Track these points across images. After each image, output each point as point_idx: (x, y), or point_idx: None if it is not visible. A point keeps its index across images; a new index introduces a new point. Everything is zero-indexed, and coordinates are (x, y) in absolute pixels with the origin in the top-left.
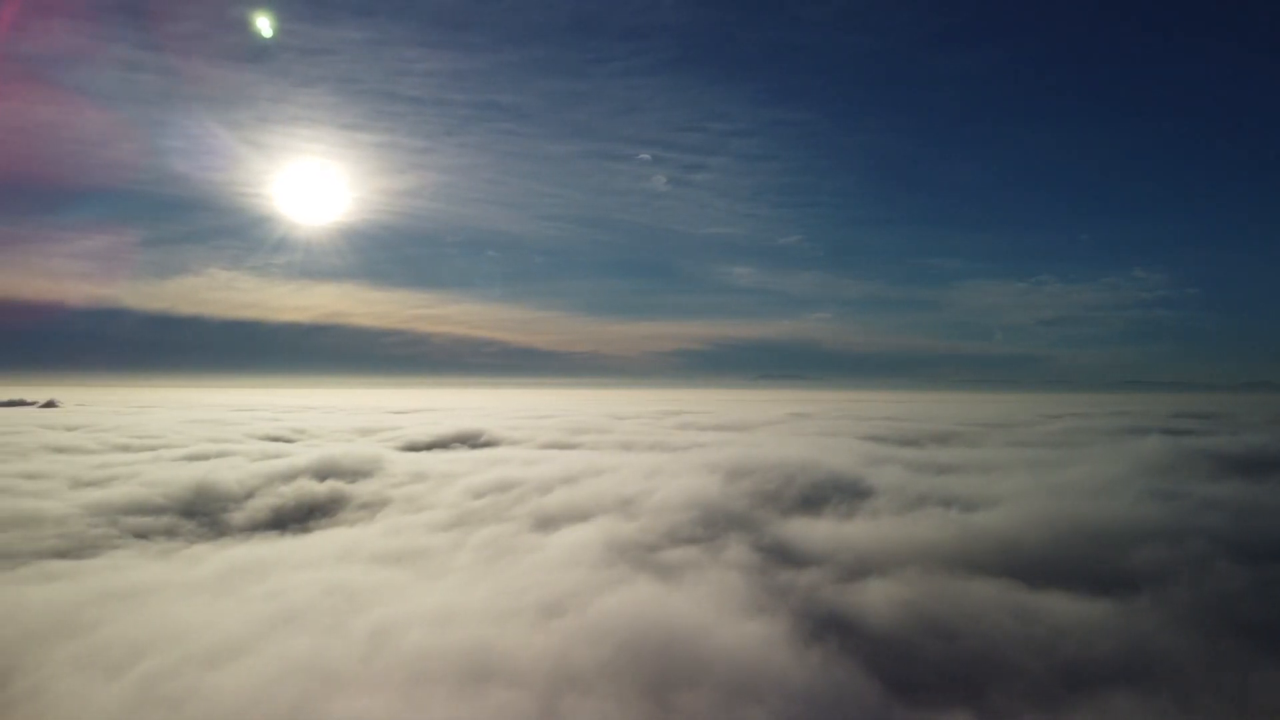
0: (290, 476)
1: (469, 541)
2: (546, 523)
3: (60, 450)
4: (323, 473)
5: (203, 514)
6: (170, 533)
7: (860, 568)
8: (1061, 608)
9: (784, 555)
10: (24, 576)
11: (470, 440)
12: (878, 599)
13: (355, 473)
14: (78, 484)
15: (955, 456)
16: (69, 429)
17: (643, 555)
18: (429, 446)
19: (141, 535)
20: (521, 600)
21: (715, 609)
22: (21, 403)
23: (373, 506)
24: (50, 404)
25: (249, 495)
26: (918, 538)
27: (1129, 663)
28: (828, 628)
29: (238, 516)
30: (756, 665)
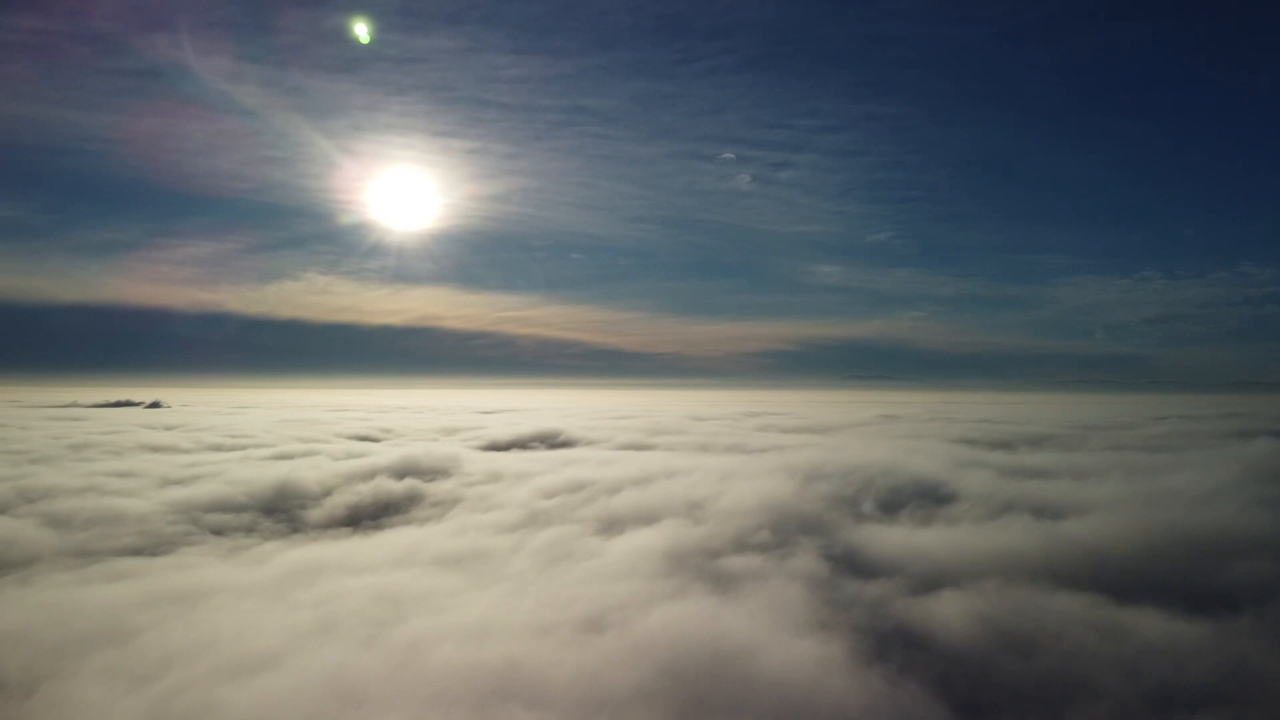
0: (370, 475)
1: (529, 544)
2: (611, 525)
3: (155, 449)
4: (402, 471)
5: (281, 512)
6: (247, 530)
7: (934, 579)
8: (1152, 626)
9: (853, 564)
10: (88, 576)
11: (549, 440)
12: (950, 613)
13: (433, 471)
14: (165, 482)
15: (1048, 461)
16: (167, 429)
17: (703, 563)
18: (508, 446)
19: (218, 532)
20: (565, 613)
21: (771, 624)
22: (129, 403)
23: (444, 505)
24: (155, 404)
25: (327, 494)
26: (999, 547)
27: (1224, 688)
28: (893, 645)
29: (314, 514)
30: (809, 688)
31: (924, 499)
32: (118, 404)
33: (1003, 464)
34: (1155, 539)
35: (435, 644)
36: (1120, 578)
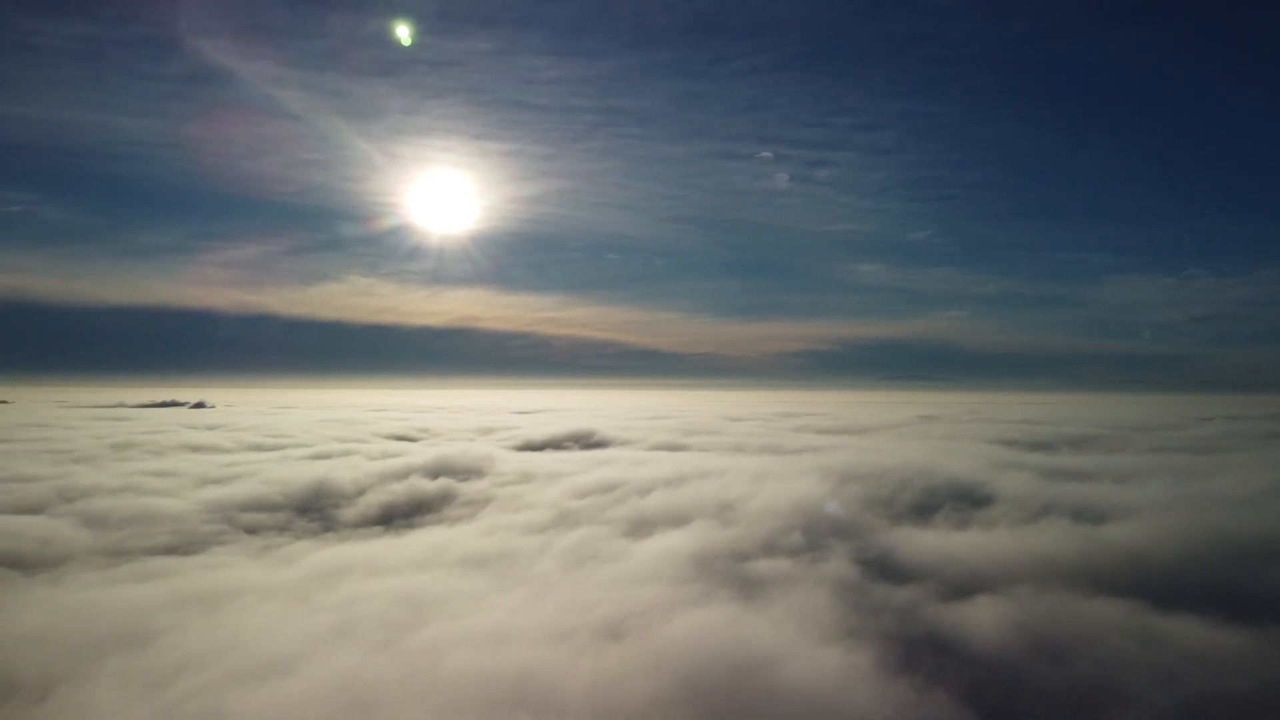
0: (404, 475)
1: (556, 545)
2: (640, 527)
3: (196, 449)
4: (436, 471)
5: (315, 511)
6: (280, 529)
7: (967, 584)
8: (1193, 634)
9: (885, 568)
10: (118, 576)
11: (582, 440)
12: (983, 619)
13: (467, 471)
14: (203, 482)
15: (1090, 463)
16: (209, 428)
17: (731, 566)
18: (542, 446)
19: (252, 532)
20: (585, 618)
21: (796, 631)
22: (174, 404)
23: (476, 505)
24: (199, 405)
25: (361, 493)
26: (1036, 551)
27: (1266, 700)
28: (923, 652)
29: (348, 514)
30: (832, 698)
31: (960, 501)
32: (163, 404)
33: (1043, 466)
34: (1198, 544)
35: (451, 649)
36: (1160, 583)
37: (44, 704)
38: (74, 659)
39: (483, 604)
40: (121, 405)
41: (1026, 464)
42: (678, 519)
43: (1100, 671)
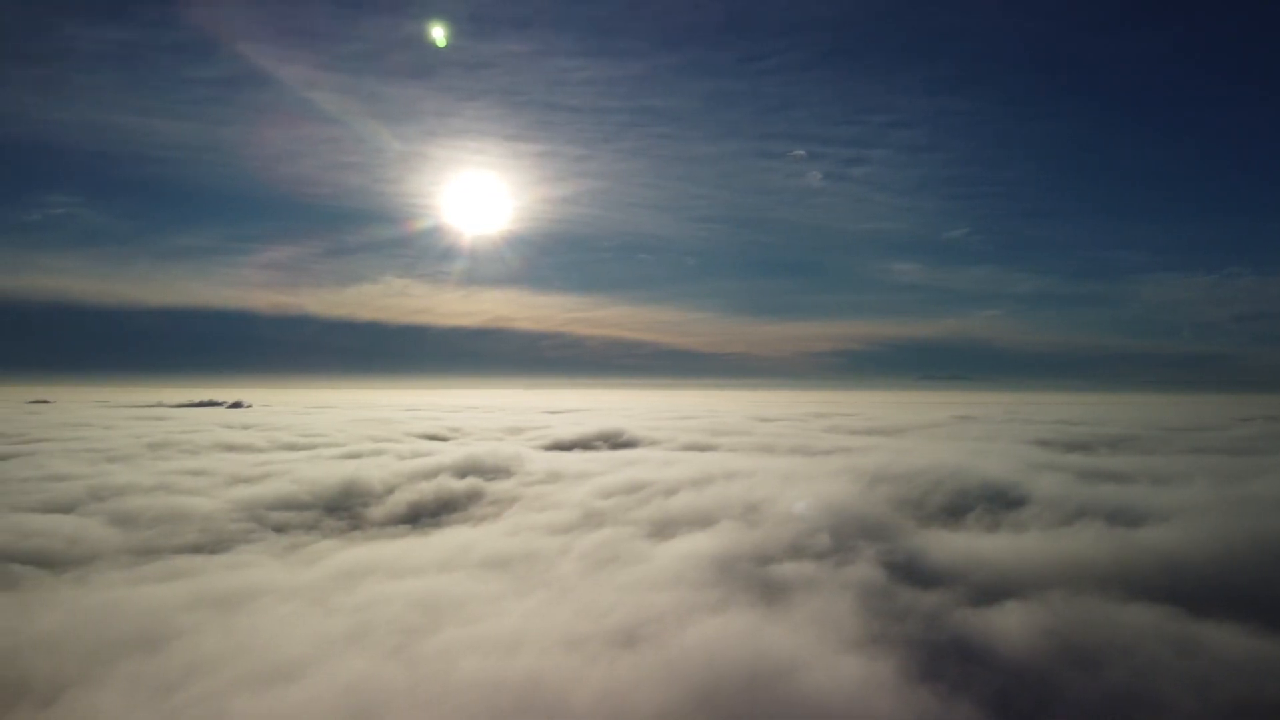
0: (433, 474)
1: (578, 546)
2: (664, 528)
3: (230, 448)
4: (464, 470)
5: (343, 510)
6: (308, 528)
7: (996, 588)
8: (1230, 641)
9: (911, 572)
10: (143, 575)
11: (611, 440)
12: (1012, 625)
13: (495, 470)
14: (234, 481)
15: (1127, 464)
16: (244, 428)
17: (754, 569)
18: (571, 446)
19: (280, 530)
20: (600, 624)
21: (817, 638)
22: (212, 403)
23: (502, 504)
24: (237, 404)
25: (389, 492)
26: (1068, 554)
27: None
28: (949, 659)
29: (375, 513)
30: (852, 707)
31: (993, 503)
32: (201, 404)
33: (1079, 467)
34: (1237, 548)
35: (461, 656)
36: (1198, 589)
37: (51, 709)
38: (87, 661)
39: (499, 608)
40: (160, 405)
41: (1062, 465)
42: (702, 520)
43: (1133, 680)
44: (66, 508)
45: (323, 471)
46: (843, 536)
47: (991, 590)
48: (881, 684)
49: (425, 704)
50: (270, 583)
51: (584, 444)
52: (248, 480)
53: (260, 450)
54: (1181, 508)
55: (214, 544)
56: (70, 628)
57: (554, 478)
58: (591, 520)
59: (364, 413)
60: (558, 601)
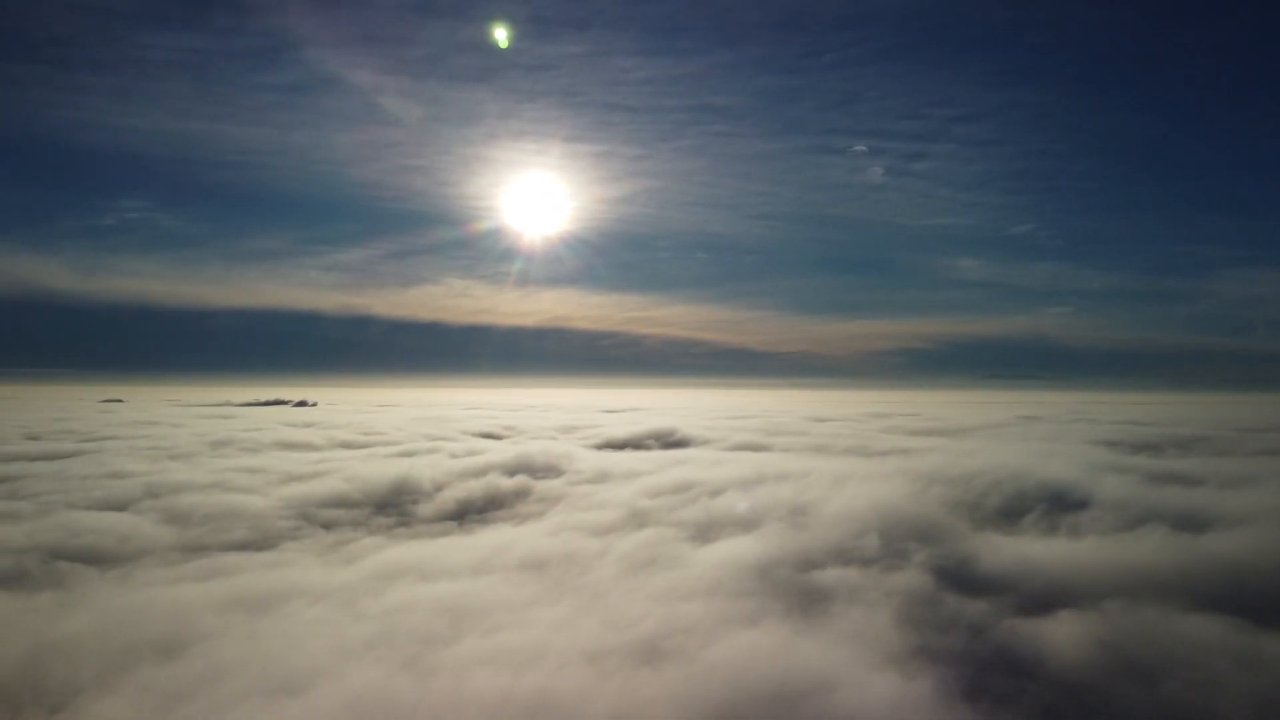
0: (483, 472)
1: (617, 548)
2: (708, 530)
3: (289, 446)
4: (514, 469)
5: (392, 507)
6: (355, 525)
7: (1050, 596)
8: None
9: (961, 579)
10: (184, 574)
11: (664, 439)
12: (1064, 636)
13: (545, 469)
14: (288, 479)
15: (1196, 466)
16: (306, 425)
17: (794, 576)
18: (623, 445)
19: (328, 527)
20: (629, 634)
21: (854, 652)
22: (279, 402)
23: (548, 502)
24: (302, 403)
25: (439, 489)
26: (1129, 561)
27: None
28: (995, 672)
29: (424, 510)
30: None
31: (1052, 506)
32: (268, 403)
33: (1146, 469)
34: None
35: (475, 669)
36: (1265, 599)
37: (58, 716)
38: (105, 666)
39: (524, 616)
40: (228, 404)
41: (1128, 467)
42: (748, 523)
43: (1193, 695)
44: (121, 505)
45: (376, 469)
46: (892, 540)
47: (1045, 598)
48: (918, 702)
49: (428, 718)
50: (305, 583)
51: (635, 443)
52: (301, 478)
53: (317, 448)
54: (1251, 513)
55: (260, 541)
56: (97, 629)
57: (602, 477)
58: (634, 521)
59: (424, 411)
60: (586, 610)
